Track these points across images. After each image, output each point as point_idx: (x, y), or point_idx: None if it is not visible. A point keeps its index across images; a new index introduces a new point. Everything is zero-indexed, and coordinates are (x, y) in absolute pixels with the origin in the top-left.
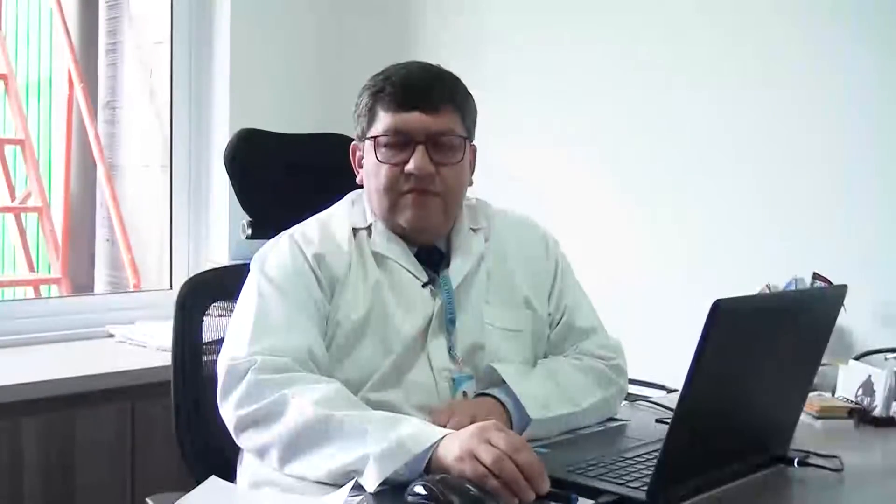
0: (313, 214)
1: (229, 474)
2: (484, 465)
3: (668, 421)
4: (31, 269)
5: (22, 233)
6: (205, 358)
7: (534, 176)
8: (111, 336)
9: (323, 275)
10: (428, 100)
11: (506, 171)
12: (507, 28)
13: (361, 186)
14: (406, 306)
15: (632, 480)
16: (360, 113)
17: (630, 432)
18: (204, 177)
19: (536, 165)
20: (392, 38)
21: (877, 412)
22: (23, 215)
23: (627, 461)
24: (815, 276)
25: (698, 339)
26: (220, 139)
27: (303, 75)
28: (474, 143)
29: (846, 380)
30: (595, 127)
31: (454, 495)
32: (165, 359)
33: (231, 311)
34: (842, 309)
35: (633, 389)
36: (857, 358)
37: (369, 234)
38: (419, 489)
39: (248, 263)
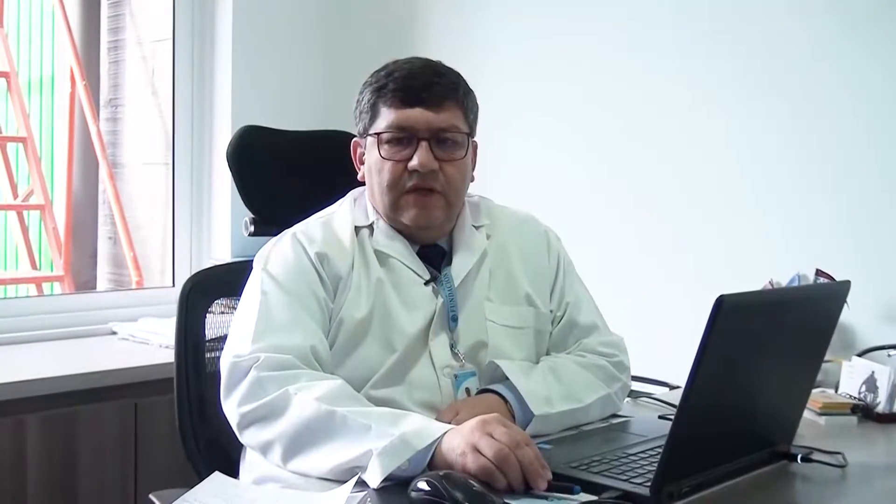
0: (315, 211)
1: (233, 471)
2: (486, 458)
3: (672, 417)
4: (34, 266)
5: (24, 230)
6: (208, 355)
7: (536, 173)
8: (114, 333)
9: (326, 273)
10: (431, 96)
11: (509, 169)
12: (510, 27)
13: (362, 183)
14: (408, 304)
15: (635, 476)
16: (361, 109)
17: (633, 428)
18: (206, 174)
19: (539, 163)
20: (394, 36)
21: (880, 408)
22: (25, 213)
23: (630, 457)
24: (818, 273)
25: (701, 335)
26: (223, 136)
27: (305, 72)
28: (476, 139)
29: (849, 376)
30: (597, 124)
31: (457, 491)
32: (168, 356)
33: (234, 308)
34: (845, 305)
35: (636, 386)
36: (860, 354)
37: (371, 233)
38: (422, 485)
39: (251, 260)
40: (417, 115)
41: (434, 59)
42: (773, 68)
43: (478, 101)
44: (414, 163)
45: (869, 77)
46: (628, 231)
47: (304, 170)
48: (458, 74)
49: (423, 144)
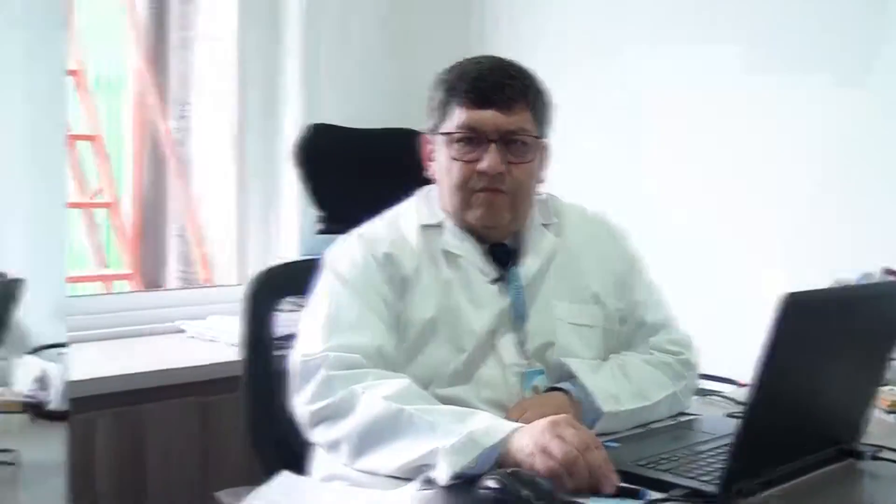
0: (384, 209)
1: (300, 469)
2: (555, 461)
3: (739, 415)
4: (103, 264)
5: (93, 229)
6: (275, 353)
7: (602, 170)
8: (182, 331)
9: (393, 273)
10: (502, 98)
11: (575, 167)
12: (574, 23)
13: (430, 180)
14: (476, 303)
15: (703, 474)
16: (433, 107)
17: (701, 426)
18: (275, 172)
19: (604, 159)
20: (461, 33)
21: None
22: (94, 211)
23: (699, 455)
24: (887, 271)
25: (768, 332)
26: (291, 134)
27: (374, 70)
28: (547, 140)
29: None
30: (663, 120)
31: (526, 488)
32: (236, 354)
33: (302, 305)
34: None
35: (703, 384)
36: None
37: (439, 232)
38: (491, 482)
39: (318, 259)
40: (488, 116)
41: (503, 55)
42: (844, 60)
43: (552, 101)
44: (482, 165)
45: None
46: (696, 228)
47: (374, 167)
48: (531, 76)
49: (492, 146)
